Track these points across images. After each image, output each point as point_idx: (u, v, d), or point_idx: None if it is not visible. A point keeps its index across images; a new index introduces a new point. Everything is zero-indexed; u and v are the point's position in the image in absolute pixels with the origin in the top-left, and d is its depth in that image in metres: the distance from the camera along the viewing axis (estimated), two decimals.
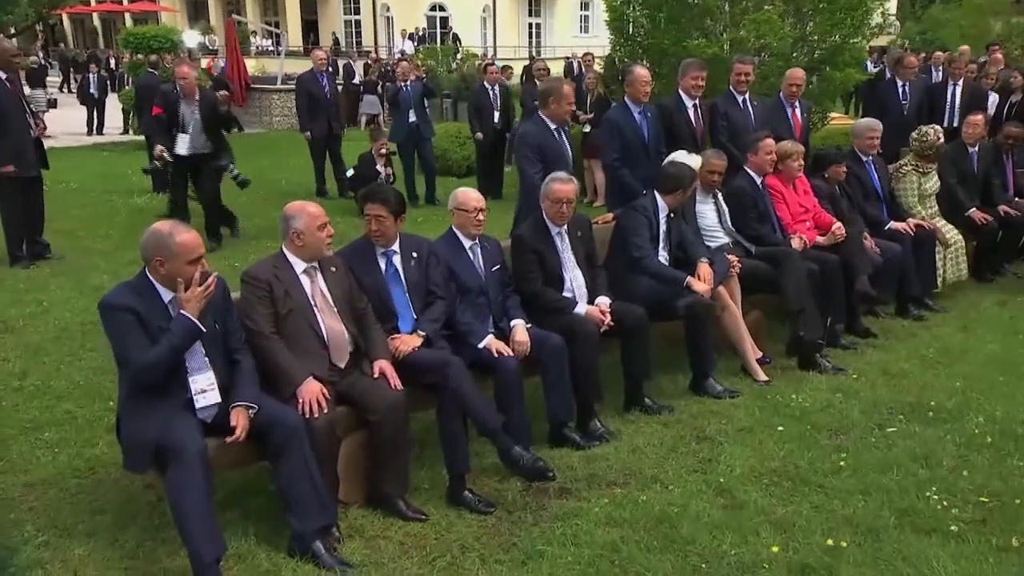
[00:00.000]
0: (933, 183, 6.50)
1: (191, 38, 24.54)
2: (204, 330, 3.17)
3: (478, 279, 4.13)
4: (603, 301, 4.43)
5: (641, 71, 5.74)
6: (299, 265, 3.61)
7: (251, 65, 20.89)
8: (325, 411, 3.33)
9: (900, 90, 8.59)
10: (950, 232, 6.40)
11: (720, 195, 5.42)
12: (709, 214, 5.34)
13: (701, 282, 4.66)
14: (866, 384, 4.81)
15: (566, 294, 4.42)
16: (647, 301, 4.53)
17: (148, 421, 3.11)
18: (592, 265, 4.60)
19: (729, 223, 5.41)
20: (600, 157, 8.34)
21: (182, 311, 3.15)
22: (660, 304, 4.57)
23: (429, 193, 10.45)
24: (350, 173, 10.01)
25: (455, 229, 4.21)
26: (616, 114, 5.88)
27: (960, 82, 9.02)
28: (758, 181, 5.54)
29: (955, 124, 8.67)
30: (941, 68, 10.59)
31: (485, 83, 10.73)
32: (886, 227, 6.11)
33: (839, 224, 5.61)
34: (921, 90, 8.74)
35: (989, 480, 3.63)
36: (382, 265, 3.92)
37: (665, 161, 5.33)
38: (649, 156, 5.67)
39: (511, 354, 3.90)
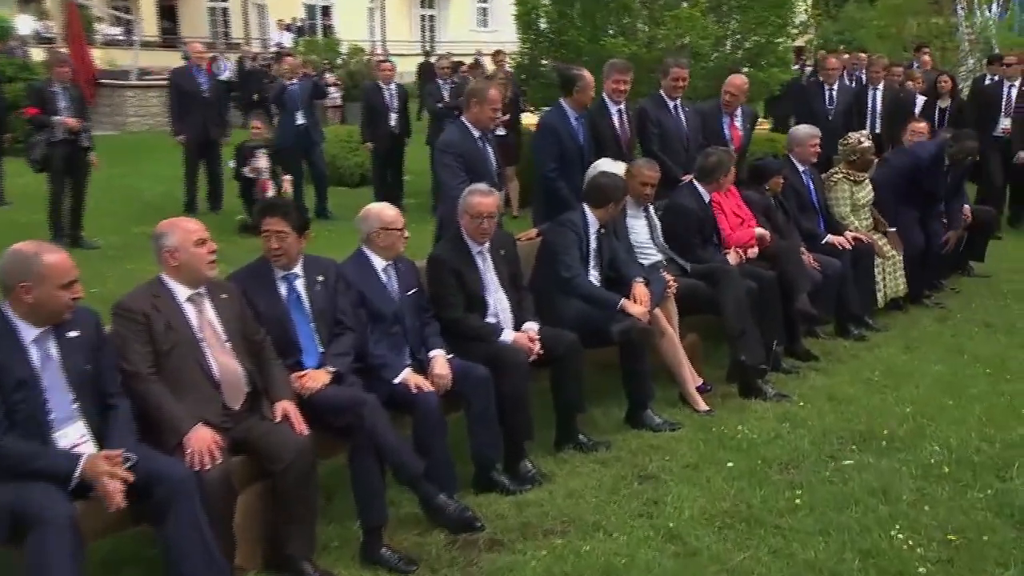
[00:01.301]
0: (866, 193, 6.79)
1: (24, 24, 23.37)
2: (77, 478, 2.92)
3: (392, 305, 4.06)
4: (531, 327, 4.42)
5: (591, 77, 5.81)
6: (182, 292, 3.44)
7: (97, 56, 20.01)
8: (218, 461, 3.17)
9: (827, 94, 8.99)
10: (886, 245, 6.69)
11: (651, 209, 5.49)
12: (641, 229, 5.40)
13: (636, 304, 4.70)
14: (813, 411, 4.94)
15: (490, 319, 4.39)
16: (578, 326, 4.54)
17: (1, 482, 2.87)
18: (517, 287, 4.59)
19: (661, 239, 5.48)
20: (515, 164, 8.35)
21: (83, 465, 2.91)
22: (592, 329, 4.57)
23: (320, 205, 10.21)
24: (231, 165, 9.49)
25: (367, 249, 4.12)
26: (553, 119, 5.91)
27: (880, 86, 9.54)
28: (706, 198, 5.63)
29: (876, 130, 9.17)
30: (864, 71, 11.15)
31: (379, 82, 10.63)
32: (823, 241, 6.33)
33: (764, 234, 5.81)
34: (849, 94, 9.18)
35: (952, 515, 3.75)
36: (282, 291, 3.78)
37: (590, 170, 5.39)
38: (584, 167, 5.71)
39: (431, 389, 3.86)
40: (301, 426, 3.43)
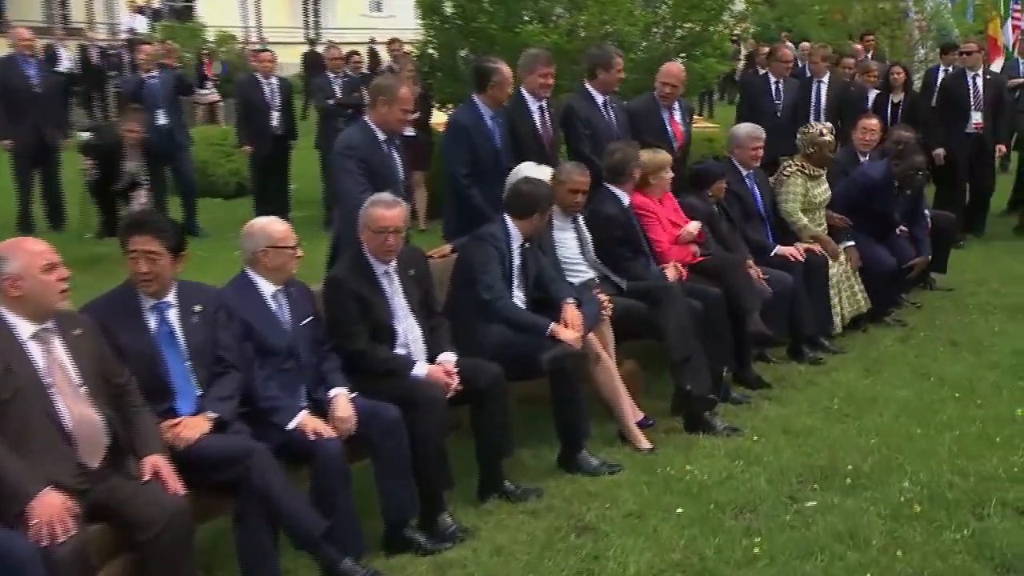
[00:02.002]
0: (823, 191, 7.00)
1: None
2: None
3: (284, 337, 4.02)
4: (447, 358, 4.42)
5: (508, 70, 5.84)
6: (24, 328, 3.32)
7: None
8: (71, 533, 3.05)
9: (773, 88, 9.28)
10: (842, 256, 6.90)
11: (581, 219, 5.55)
12: (570, 243, 5.45)
13: (568, 328, 4.72)
14: (768, 447, 5.04)
15: (399, 351, 4.38)
16: (502, 355, 4.54)
17: None
18: (430, 312, 4.60)
19: (592, 253, 5.54)
20: (426, 169, 8.29)
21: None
22: (518, 358, 4.57)
23: (188, 220, 9.98)
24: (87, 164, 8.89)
25: (252, 273, 4.05)
26: (465, 117, 5.93)
27: (825, 79, 9.89)
28: (625, 203, 5.73)
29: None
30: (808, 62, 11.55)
31: (257, 75, 10.48)
32: (772, 253, 6.50)
33: (696, 224, 5.94)
34: (796, 88, 9.49)
35: (927, 560, 3.85)
36: (151, 323, 3.69)
37: (511, 176, 5.42)
38: (501, 172, 5.75)
39: (332, 434, 3.82)
40: (175, 485, 3.34)
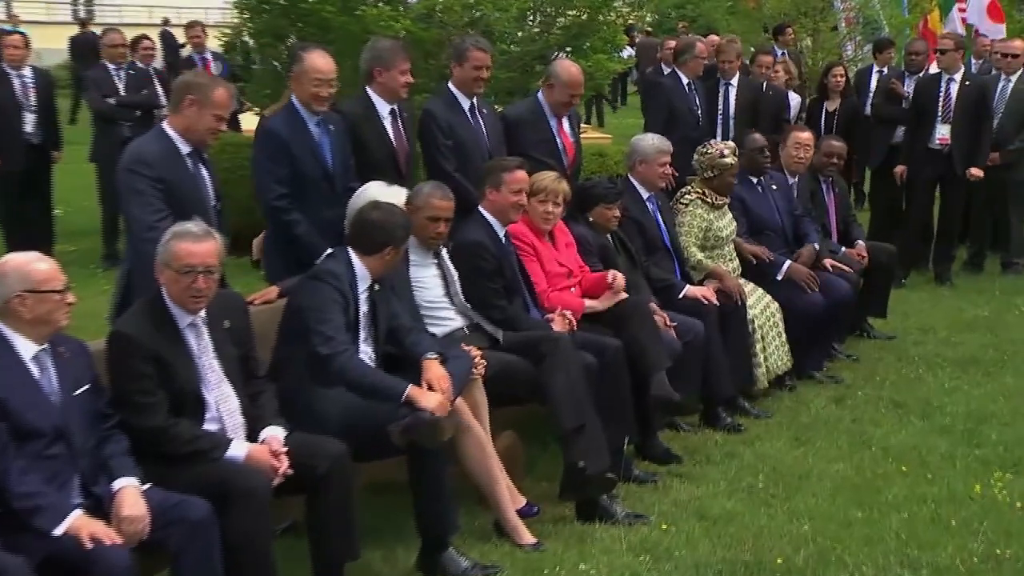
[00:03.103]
0: (728, 223, 7.22)
1: None
2: None
3: (50, 413, 3.92)
4: (274, 434, 4.37)
5: (320, 61, 5.75)
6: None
7: None
8: None
9: (688, 91, 9.53)
10: (762, 301, 7.09)
11: (445, 254, 5.53)
12: (431, 283, 5.44)
13: (430, 392, 4.67)
14: (680, 537, 5.08)
15: (209, 426, 4.32)
16: (346, 429, 4.50)
17: None
18: (251, 375, 4.56)
19: (461, 296, 5.53)
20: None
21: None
22: (367, 433, 4.52)
23: None
24: None
25: (4, 327, 3.92)
26: (280, 123, 5.84)
27: (734, 80, 10.22)
28: (500, 233, 5.74)
29: (728, 137, 9.78)
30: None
31: (3, 64, 10.18)
32: (680, 294, 6.62)
33: (615, 272, 6.01)
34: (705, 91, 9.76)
35: None
36: None
37: (355, 199, 5.40)
38: (335, 192, 5.69)
39: (117, 540, 3.74)
40: None
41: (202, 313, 4.34)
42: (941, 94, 10.04)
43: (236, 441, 4.27)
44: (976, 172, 9.88)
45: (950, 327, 8.71)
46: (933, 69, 10.75)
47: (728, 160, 7.04)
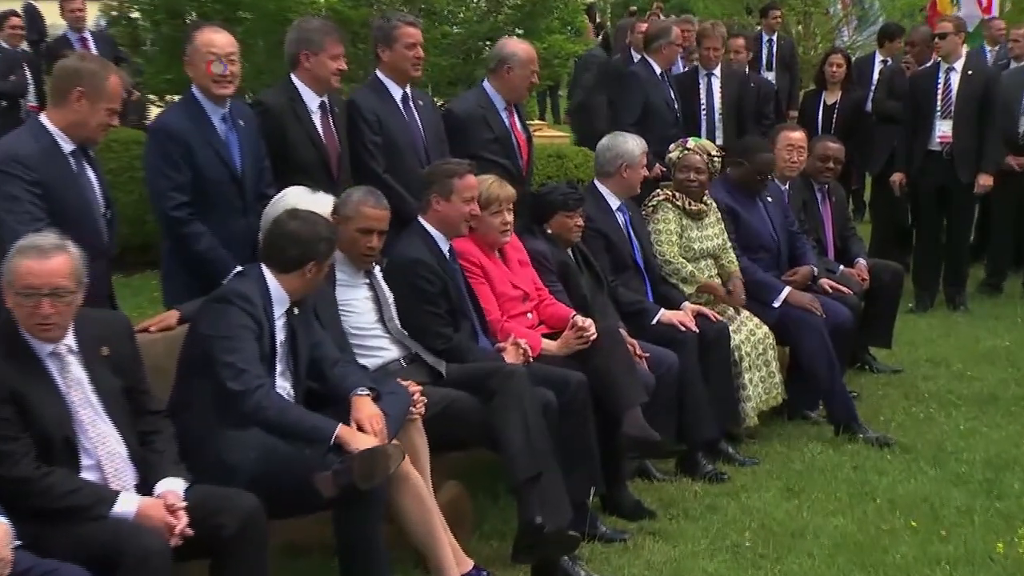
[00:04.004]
0: (712, 234, 7.30)
1: None
2: None
3: None
4: (171, 486, 4.30)
5: (215, 37, 5.72)
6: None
7: None
8: None
9: (663, 82, 9.62)
10: (747, 326, 7.16)
11: (378, 272, 5.55)
12: (362, 306, 5.44)
13: (362, 434, 4.65)
14: None
15: (88, 475, 4.25)
16: (260, 479, 4.46)
17: None
18: (142, 411, 4.51)
19: (397, 321, 5.53)
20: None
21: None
22: (287, 483, 4.50)
23: None
24: None
25: None
26: (175, 118, 5.82)
27: (717, 71, 10.32)
28: (444, 248, 5.75)
29: (716, 136, 9.87)
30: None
31: None
32: (654, 319, 6.67)
33: (581, 318, 6.00)
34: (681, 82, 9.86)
35: None
36: None
37: (271, 207, 5.39)
38: (245, 199, 5.69)
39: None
40: None
41: (69, 339, 4.28)
42: (940, 86, 10.08)
43: (124, 494, 4.18)
44: (985, 181, 9.95)
45: (965, 359, 8.80)
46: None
47: (695, 158, 7.15)
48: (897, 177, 10.39)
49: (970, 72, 10.09)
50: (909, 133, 10.31)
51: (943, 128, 10.03)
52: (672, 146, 7.40)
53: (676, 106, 9.69)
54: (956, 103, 9.98)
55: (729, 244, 7.43)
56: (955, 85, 10.00)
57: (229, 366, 4.65)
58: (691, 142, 7.34)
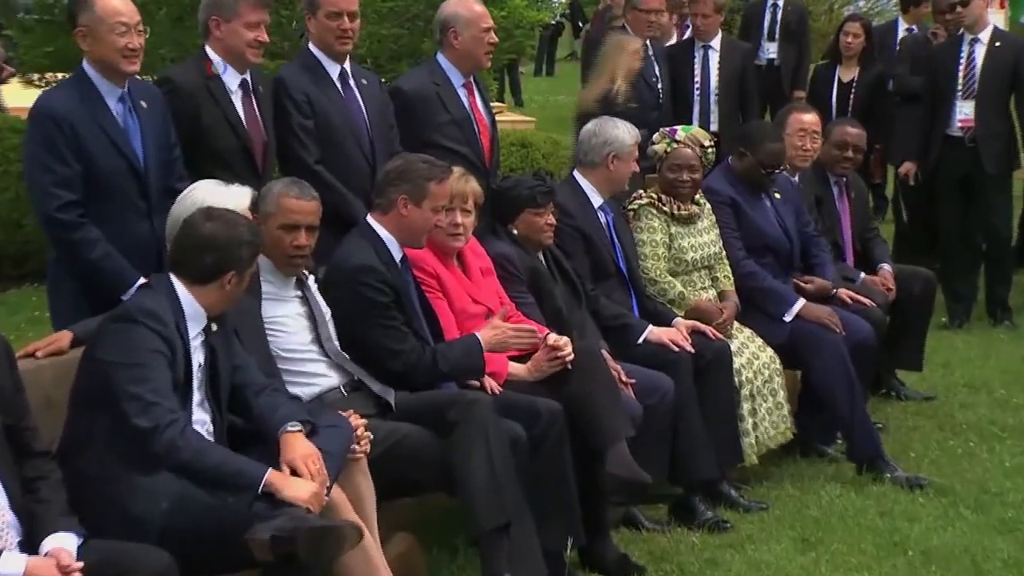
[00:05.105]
0: (707, 241, 7.34)
1: None
2: None
3: None
4: (61, 544, 4.25)
5: (122, 3, 5.72)
6: None
7: None
8: None
9: (645, 55, 9.61)
10: (749, 348, 7.18)
11: (312, 283, 5.55)
12: (293, 324, 5.44)
13: (296, 478, 4.64)
14: None
15: None
16: (174, 533, 4.44)
17: None
18: (24, 451, 4.47)
19: (335, 341, 5.53)
20: None
21: None
22: (207, 537, 4.48)
23: None
24: None
25: None
26: (61, 103, 5.79)
27: (716, 42, 10.40)
28: (397, 256, 5.73)
29: (710, 123, 9.92)
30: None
31: None
32: (641, 338, 6.68)
33: (556, 336, 6.00)
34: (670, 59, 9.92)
35: None
36: None
37: (177, 205, 5.36)
38: (149, 197, 5.71)
39: None
40: None
41: None
42: (963, 61, 10.12)
43: (7, 555, 4.15)
44: None
45: (1009, 383, 8.85)
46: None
47: (657, 147, 7.22)
48: (907, 168, 10.49)
49: (998, 44, 10.12)
50: (928, 115, 10.39)
51: (965, 110, 10.09)
52: (656, 136, 7.39)
53: (660, 85, 9.74)
54: (980, 81, 10.02)
55: (724, 253, 7.46)
56: (979, 60, 10.03)
57: (136, 398, 4.59)
58: (680, 132, 7.34)
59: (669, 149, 7.21)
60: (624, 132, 7.02)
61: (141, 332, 4.71)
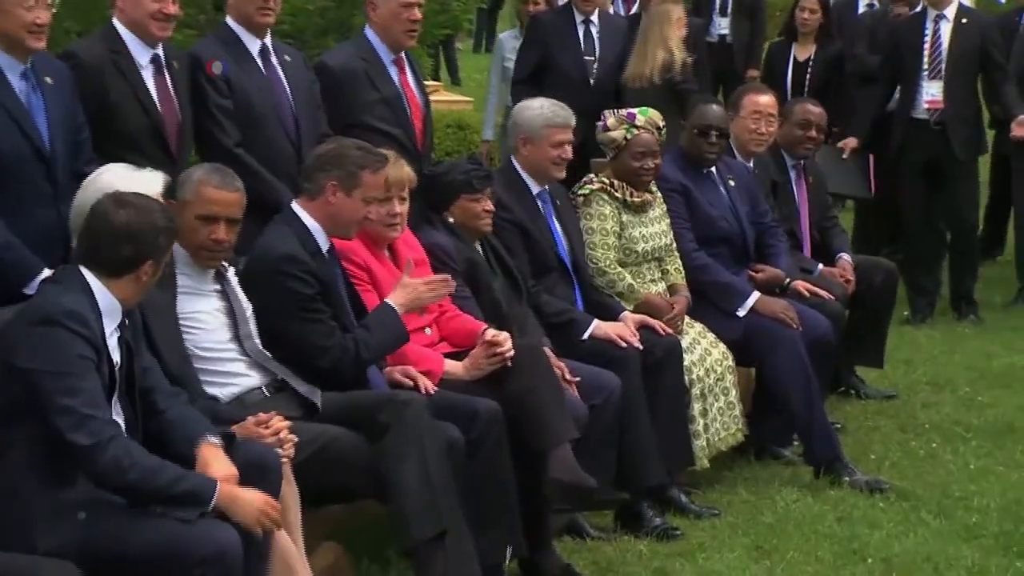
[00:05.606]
0: (658, 231, 7.38)
1: None
2: None
3: None
4: None
5: None
6: None
7: None
8: None
9: (577, 31, 9.71)
10: (700, 345, 7.24)
11: (232, 276, 5.54)
12: (211, 320, 5.42)
13: (249, 489, 4.61)
14: None
15: None
16: (98, 553, 4.42)
17: None
18: None
19: (256, 339, 5.52)
20: None
21: None
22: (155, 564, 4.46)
23: None
24: None
25: None
26: None
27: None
28: (324, 246, 5.73)
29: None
30: None
31: None
32: (585, 334, 6.71)
33: (495, 331, 6.04)
34: (620, 34, 9.93)
35: None
36: None
37: (83, 191, 5.33)
38: (55, 182, 5.69)
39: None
40: None
41: None
42: (927, 39, 10.18)
43: None
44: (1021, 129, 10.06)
45: (974, 381, 8.93)
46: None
47: (614, 134, 7.22)
48: (848, 143, 10.45)
49: (964, 21, 10.21)
50: (882, 92, 10.53)
51: (932, 91, 10.15)
52: (612, 121, 7.30)
53: (594, 65, 9.76)
54: (947, 61, 10.09)
55: (675, 245, 7.49)
56: (945, 38, 10.11)
57: (68, 412, 4.48)
58: (639, 116, 7.30)
59: (629, 136, 7.19)
60: (534, 114, 7.02)
61: (65, 336, 4.57)
